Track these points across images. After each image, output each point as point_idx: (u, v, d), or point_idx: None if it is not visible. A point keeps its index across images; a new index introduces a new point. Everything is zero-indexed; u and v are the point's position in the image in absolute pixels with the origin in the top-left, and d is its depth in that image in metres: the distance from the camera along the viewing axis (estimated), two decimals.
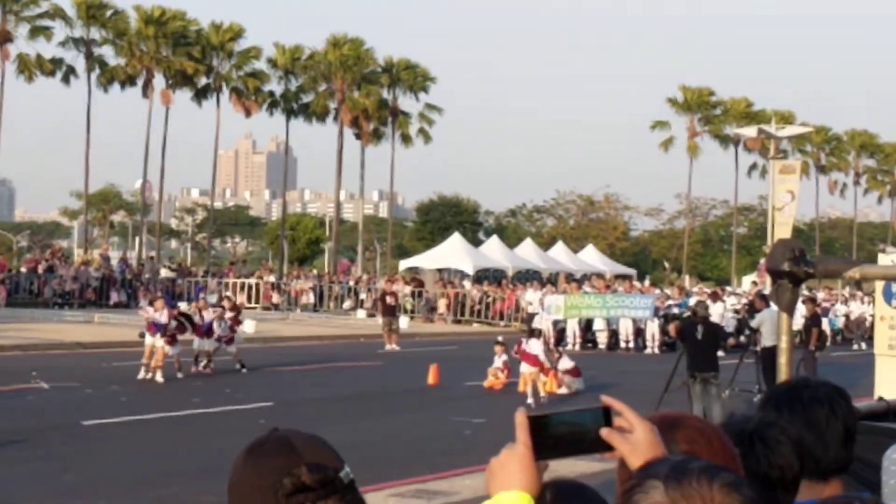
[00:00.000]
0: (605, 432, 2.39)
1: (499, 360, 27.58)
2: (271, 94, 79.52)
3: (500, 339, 29.34)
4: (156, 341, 25.87)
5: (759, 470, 2.97)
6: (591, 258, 68.84)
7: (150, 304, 27.97)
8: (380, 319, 42.26)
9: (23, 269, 55.82)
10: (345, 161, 79.92)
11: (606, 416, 2.43)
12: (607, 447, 2.41)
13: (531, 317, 44.71)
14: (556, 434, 2.42)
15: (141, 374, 25.61)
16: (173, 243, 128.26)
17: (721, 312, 39.80)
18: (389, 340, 38.73)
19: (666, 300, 46.59)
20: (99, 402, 22.24)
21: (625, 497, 2.17)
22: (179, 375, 26.18)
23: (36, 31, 69.27)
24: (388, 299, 40.90)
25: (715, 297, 44.47)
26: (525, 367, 24.83)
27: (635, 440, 2.40)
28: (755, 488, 2.19)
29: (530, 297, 46.33)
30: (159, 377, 25.45)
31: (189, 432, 19.08)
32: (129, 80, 73.88)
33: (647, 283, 60.20)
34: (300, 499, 2.47)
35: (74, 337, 34.50)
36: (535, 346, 25.15)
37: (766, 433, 3.07)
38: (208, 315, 27.88)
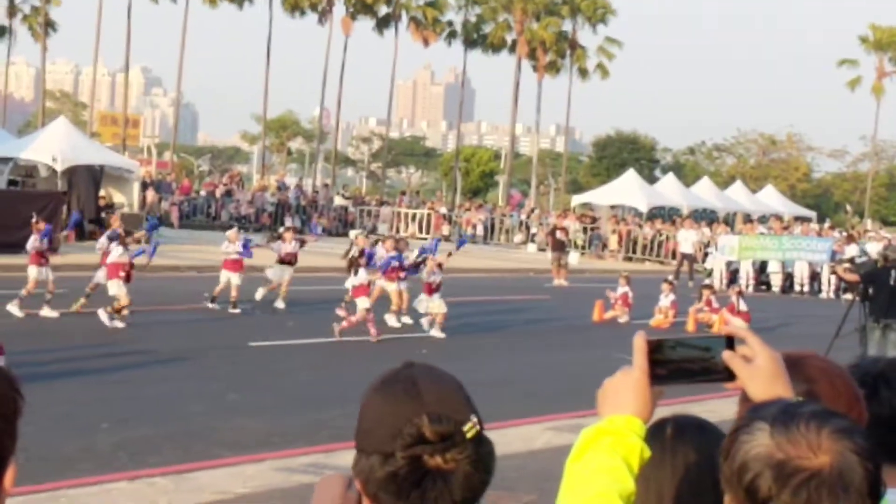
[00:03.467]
0: (726, 355, 2.30)
1: (666, 300, 27.24)
2: (450, 23, 79.45)
3: (668, 277, 28.96)
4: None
5: (883, 413, 2.83)
6: (771, 199, 67.32)
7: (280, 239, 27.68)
8: (549, 254, 42.08)
9: (202, 193, 57.11)
10: (522, 94, 79.53)
11: (729, 345, 2.32)
12: (727, 377, 2.32)
13: (683, 256, 43.91)
14: (674, 360, 2.34)
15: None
16: (349, 172, 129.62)
17: (854, 254, 38.49)
18: (558, 275, 38.53)
19: (844, 244, 45.34)
20: (267, 325, 22.58)
21: (731, 437, 2.08)
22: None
23: None
24: (559, 234, 40.65)
25: (850, 239, 43.47)
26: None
27: (756, 367, 2.30)
28: (870, 435, 2.04)
29: (682, 235, 45.39)
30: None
31: (351, 358, 19.23)
32: (310, 7, 74.61)
33: (826, 225, 58.65)
34: (417, 451, 2.34)
35: (247, 260, 34.98)
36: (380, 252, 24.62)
37: (891, 376, 2.93)
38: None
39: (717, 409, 11.33)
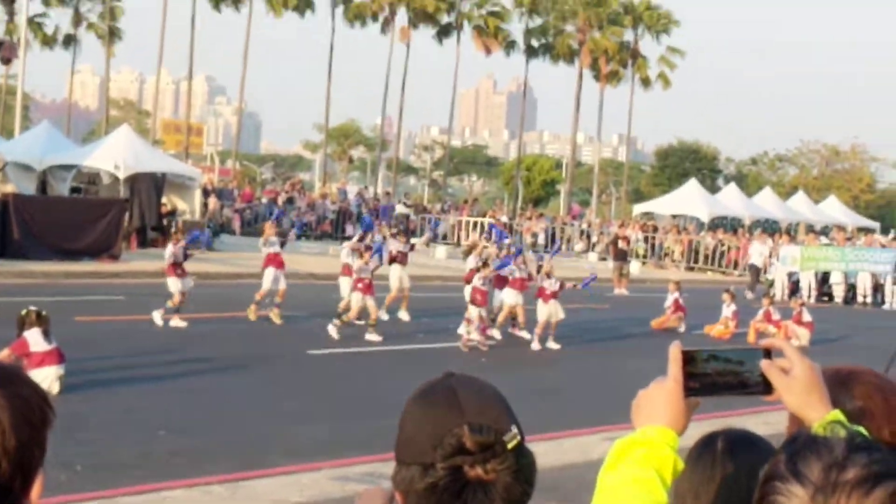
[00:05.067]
0: (764, 363, 2.25)
1: (728, 310, 27.03)
2: (510, 32, 79.45)
3: (730, 288, 28.73)
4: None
5: None
6: (833, 209, 66.76)
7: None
8: (610, 263, 41.89)
9: (263, 200, 57.34)
10: (584, 103, 79.36)
11: (766, 357, 2.28)
12: (763, 390, 2.27)
13: (754, 269, 43.60)
14: (709, 372, 2.29)
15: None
16: (411, 180, 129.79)
17: None
18: (619, 284, 38.37)
19: None
20: (326, 333, 22.55)
21: (765, 487, 1.92)
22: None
23: None
24: (620, 243, 40.52)
25: None
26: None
27: (794, 378, 2.24)
28: None
29: (755, 248, 45.15)
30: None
31: (410, 366, 19.15)
32: (372, 17, 74.89)
33: (890, 237, 57.97)
34: (457, 461, 2.31)
35: (308, 267, 35.09)
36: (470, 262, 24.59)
37: None
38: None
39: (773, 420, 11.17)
